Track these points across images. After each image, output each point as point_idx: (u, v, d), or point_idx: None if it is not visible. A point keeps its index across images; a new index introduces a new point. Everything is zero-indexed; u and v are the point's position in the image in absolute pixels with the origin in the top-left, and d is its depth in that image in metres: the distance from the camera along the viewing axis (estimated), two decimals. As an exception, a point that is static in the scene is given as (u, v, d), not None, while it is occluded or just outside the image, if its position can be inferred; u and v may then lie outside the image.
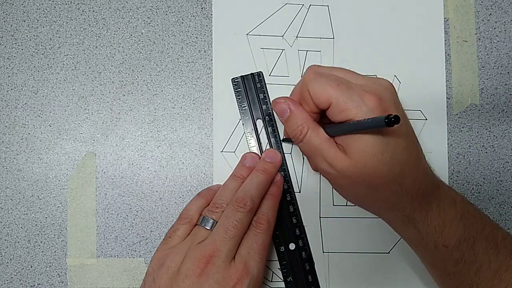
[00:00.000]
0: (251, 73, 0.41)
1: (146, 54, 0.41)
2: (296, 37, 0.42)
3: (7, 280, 0.39)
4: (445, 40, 0.43)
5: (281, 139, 0.41)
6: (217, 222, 0.36)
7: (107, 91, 0.41)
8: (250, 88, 0.41)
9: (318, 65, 0.37)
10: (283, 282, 0.40)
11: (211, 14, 0.42)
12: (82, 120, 0.40)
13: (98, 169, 0.40)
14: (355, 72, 0.36)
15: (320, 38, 0.42)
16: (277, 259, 0.40)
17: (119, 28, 0.41)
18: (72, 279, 0.39)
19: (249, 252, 0.35)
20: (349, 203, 0.41)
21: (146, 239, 0.40)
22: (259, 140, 0.41)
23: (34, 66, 0.40)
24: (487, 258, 0.34)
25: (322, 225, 0.41)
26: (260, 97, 0.41)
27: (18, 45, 0.40)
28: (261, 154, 0.41)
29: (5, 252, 0.39)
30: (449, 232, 0.34)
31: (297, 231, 0.40)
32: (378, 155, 0.33)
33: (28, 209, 0.39)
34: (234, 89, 0.41)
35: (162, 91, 0.41)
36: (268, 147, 0.41)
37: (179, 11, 0.42)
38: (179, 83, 0.41)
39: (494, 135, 0.42)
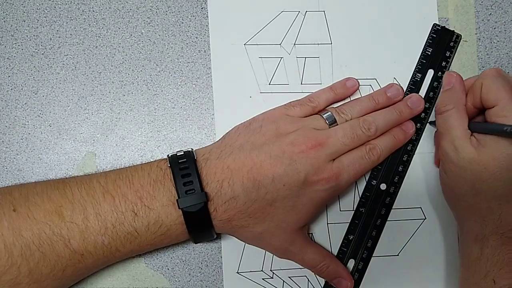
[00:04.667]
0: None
1: (146, 54, 0.41)
2: (294, 44, 0.42)
3: (7, 280, 0.39)
4: (445, 40, 0.43)
5: (428, 121, 0.41)
6: (337, 124, 0.37)
7: (107, 91, 0.41)
8: None
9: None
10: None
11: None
12: (82, 120, 0.40)
13: (98, 169, 0.40)
14: None
15: (318, 44, 0.42)
16: (292, 268, 0.40)
17: (119, 28, 0.41)
18: (72, 279, 0.39)
19: (349, 165, 0.36)
20: (355, 207, 0.41)
21: (146, 239, 0.40)
22: None
23: (34, 66, 0.40)
24: None
25: (330, 231, 0.41)
26: None
27: (18, 45, 0.40)
28: None
29: (5, 252, 0.39)
30: (506, 273, 0.34)
31: (396, 178, 0.41)
32: (504, 168, 0.33)
33: (28, 209, 0.39)
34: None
35: (162, 91, 0.41)
36: None
37: (179, 11, 0.42)
38: (179, 83, 0.41)
39: (494, 135, 0.42)
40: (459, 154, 0.35)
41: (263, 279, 0.40)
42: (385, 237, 0.41)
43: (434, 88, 0.41)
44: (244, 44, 0.42)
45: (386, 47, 0.42)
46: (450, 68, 0.42)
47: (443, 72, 0.41)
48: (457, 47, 0.42)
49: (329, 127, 0.37)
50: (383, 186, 0.40)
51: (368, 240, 0.40)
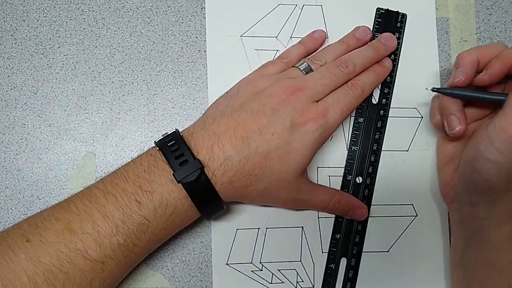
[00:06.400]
0: None
1: (145, 54, 0.41)
2: (290, 37, 0.42)
3: (7, 280, 0.39)
4: (445, 40, 0.43)
5: (432, 88, 0.38)
6: (312, 71, 0.37)
7: (107, 91, 0.41)
8: None
9: None
10: (282, 284, 0.40)
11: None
12: (82, 120, 0.40)
13: (97, 169, 0.40)
14: None
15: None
16: (281, 261, 0.40)
17: (119, 28, 0.41)
18: (72, 279, 0.39)
19: (334, 103, 0.36)
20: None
21: (146, 239, 0.40)
22: None
23: (34, 66, 0.40)
24: None
25: (320, 226, 0.41)
26: None
27: (18, 45, 0.40)
28: None
29: (5, 252, 0.39)
30: None
31: (370, 169, 0.41)
32: None
33: (28, 209, 0.39)
34: None
35: (162, 91, 0.41)
36: None
37: (179, 11, 0.42)
38: (179, 83, 0.41)
39: (494, 135, 0.42)
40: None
41: (252, 271, 0.40)
42: (375, 234, 0.41)
43: (390, 72, 0.41)
44: (240, 36, 0.42)
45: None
46: (401, 49, 0.42)
47: (396, 55, 0.42)
48: (405, 27, 0.42)
49: (306, 74, 0.37)
50: (359, 180, 0.41)
51: (355, 236, 0.40)
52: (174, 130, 0.35)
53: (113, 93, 0.41)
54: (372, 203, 0.41)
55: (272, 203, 0.39)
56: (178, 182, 0.32)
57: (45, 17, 0.41)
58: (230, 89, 0.38)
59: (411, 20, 0.43)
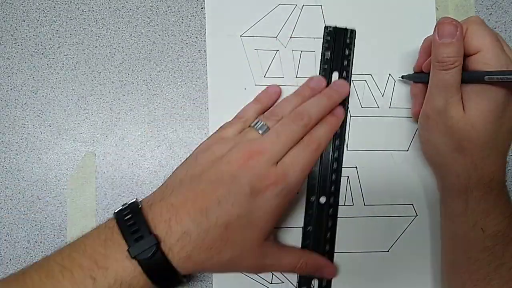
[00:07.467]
0: None
1: (145, 54, 0.41)
2: (290, 37, 0.42)
3: (7, 280, 0.39)
4: (445, 40, 0.43)
5: (400, 76, 0.41)
6: (269, 129, 0.37)
7: (107, 91, 0.41)
8: None
9: None
10: (282, 284, 0.40)
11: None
12: (81, 120, 0.40)
13: (97, 169, 0.40)
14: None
15: (314, 38, 0.42)
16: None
17: (119, 28, 0.41)
18: (72, 279, 0.39)
19: (292, 163, 0.35)
20: (347, 202, 0.41)
21: (146, 239, 0.40)
22: None
23: (34, 66, 0.40)
24: None
25: None
26: None
27: (18, 45, 0.40)
28: None
29: (5, 252, 0.39)
30: (492, 220, 0.35)
31: (332, 188, 0.41)
32: (489, 123, 0.33)
33: (28, 209, 0.39)
34: None
35: (162, 91, 0.41)
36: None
37: (179, 11, 0.42)
38: (179, 83, 0.41)
39: (494, 135, 0.42)
40: (448, 113, 0.34)
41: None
42: (375, 233, 0.41)
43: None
44: (240, 36, 0.42)
45: (382, 42, 0.42)
46: (352, 66, 0.42)
47: (347, 72, 0.41)
48: (354, 42, 0.42)
49: (263, 135, 0.36)
50: (322, 200, 0.40)
51: (327, 233, 0.40)
52: (134, 200, 0.34)
53: (113, 93, 0.41)
54: (372, 203, 0.41)
55: (237, 271, 0.37)
56: (133, 258, 0.31)
57: (45, 17, 0.41)
58: (189, 156, 0.37)
59: (411, 20, 0.43)
